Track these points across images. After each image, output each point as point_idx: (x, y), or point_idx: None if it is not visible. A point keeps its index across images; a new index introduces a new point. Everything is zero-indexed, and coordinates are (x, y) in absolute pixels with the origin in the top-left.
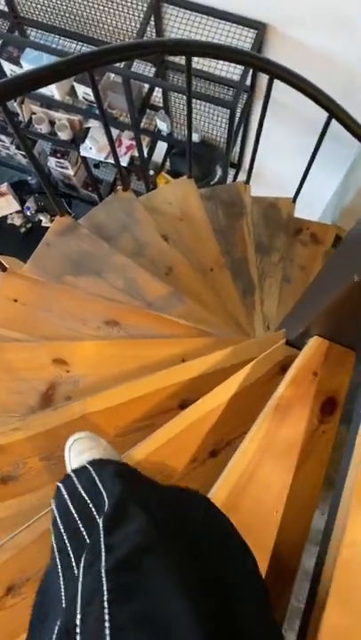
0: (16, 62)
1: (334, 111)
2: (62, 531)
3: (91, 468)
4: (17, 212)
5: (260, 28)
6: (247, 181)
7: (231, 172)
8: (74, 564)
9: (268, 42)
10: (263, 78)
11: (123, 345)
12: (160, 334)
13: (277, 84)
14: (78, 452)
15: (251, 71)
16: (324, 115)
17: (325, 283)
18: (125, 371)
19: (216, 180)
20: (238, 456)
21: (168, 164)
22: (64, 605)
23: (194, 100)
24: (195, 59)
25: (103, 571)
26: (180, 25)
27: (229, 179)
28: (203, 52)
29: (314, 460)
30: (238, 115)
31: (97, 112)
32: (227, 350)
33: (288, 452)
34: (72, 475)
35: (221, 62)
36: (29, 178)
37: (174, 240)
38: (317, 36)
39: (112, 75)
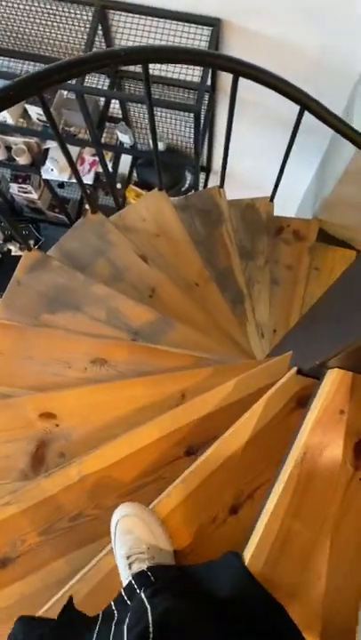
0: None
1: (306, 102)
2: None
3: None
4: None
5: (215, 24)
6: (221, 185)
7: (202, 176)
8: None
9: (225, 38)
10: (225, 77)
11: (114, 388)
12: (154, 368)
13: (241, 81)
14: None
15: (210, 71)
16: (292, 107)
17: (347, 314)
18: (120, 416)
19: (187, 186)
20: (266, 521)
21: (135, 175)
22: None
23: (155, 108)
24: (151, 64)
25: None
26: (130, 31)
27: (200, 184)
28: (159, 57)
29: (354, 513)
30: (203, 117)
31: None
32: (231, 383)
33: (322, 510)
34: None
35: (180, 65)
36: None
37: (153, 259)
38: (275, 26)
39: (65, 91)
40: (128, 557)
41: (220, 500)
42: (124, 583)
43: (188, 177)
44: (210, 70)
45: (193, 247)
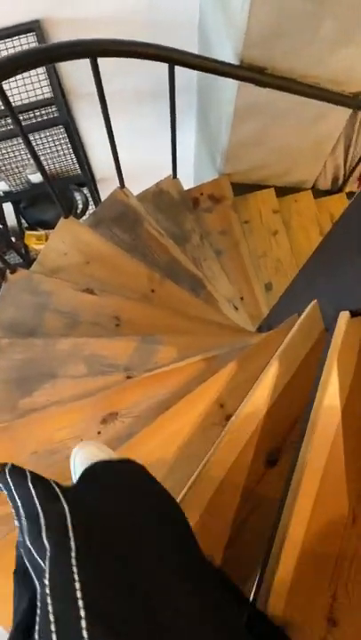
0: None
1: (172, 57)
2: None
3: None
4: None
5: (34, 27)
6: (121, 185)
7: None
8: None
9: (51, 34)
10: (71, 80)
11: (144, 438)
12: (169, 392)
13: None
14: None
15: (56, 79)
16: (148, 77)
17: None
18: (170, 462)
19: (81, 205)
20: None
21: (24, 220)
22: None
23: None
24: None
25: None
26: None
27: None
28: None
29: None
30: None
31: None
32: (273, 367)
33: None
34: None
35: (25, 89)
36: None
37: (98, 287)
38: (96, 3)
39: None
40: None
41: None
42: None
43: (78, 196)
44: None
45: (128, 257)
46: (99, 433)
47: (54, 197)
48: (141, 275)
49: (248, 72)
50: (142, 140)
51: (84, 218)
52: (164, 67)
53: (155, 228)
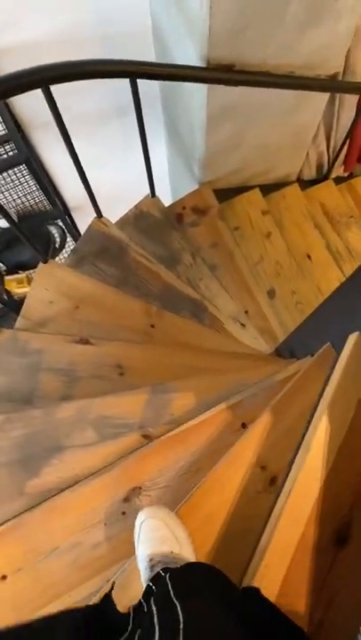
0: None
1: (134, 70)
2: None
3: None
4: None
5: None
6: (98, 214)
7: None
8: None
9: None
10: (26, 110)
11: (189, 510)
12: (199, 452)
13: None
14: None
15: (8, 114)
16: (108, 96)
17: None
18: (213, 545)
19: (58, 240)
20: None
21: (2, 265)
22: None
23: None
24: None
25: None
26: None
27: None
28: None
29: None
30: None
31: None
32: (321, 430)
33: None
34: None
35: None
36: None
37: (93, 333)
38: (40, 25)
39: None
40: (151, 560)
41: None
42: (144, 585)
43: (53, 230)
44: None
45: (120, 293)
46: (123, 514)
47: (26, 243)
48: (137, 310)
49: (217, 73)
50: (112, 162)
51: (64, 255)
52: (124, 81)
53: (142, 254)
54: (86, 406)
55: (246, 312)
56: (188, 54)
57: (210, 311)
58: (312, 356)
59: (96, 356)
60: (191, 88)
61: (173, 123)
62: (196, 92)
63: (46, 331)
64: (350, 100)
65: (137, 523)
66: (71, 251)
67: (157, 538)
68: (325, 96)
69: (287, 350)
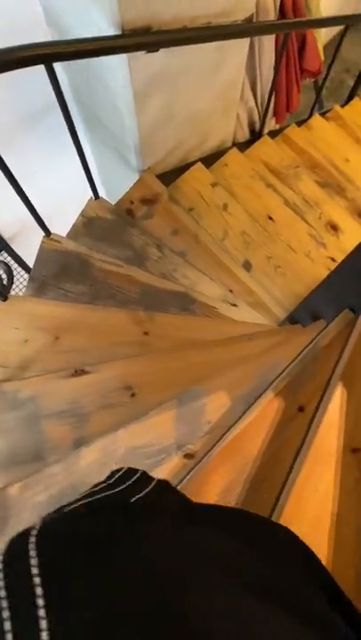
0: None
1: (47, 53)
2: None
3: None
4: None
5: None
6: (47, 233)
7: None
8: None
9: None
10: None
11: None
12: (262, 454)
13: None
14: None
15: None
16: (20, 99)
17: None
18: (329, 549)
19: (5, 276)
20: None
21: None
22: None
23: None
24: None
25: None
26: None
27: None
28: None
29: None
30: None
31: None
32: None
33: None
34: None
35: None
36: None
37: (85, 361)
38: None
39: None
40: None
41: None
42: None
43: None
44: None
45: (97, 309)
46: None
47: None
48: (124, 321)
49: (135, 38)
50: (42, 173)
51: (20, 289)
52: (33, 79)
53: (107, 261)
54: (110, 443)
55: (231, 291)
56: (98, 25)
57: (198, 300)
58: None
59: (98, 383)
60: (110, 66)
61: (94, 114)
62: (115, 70)
63: (32, 373)
64: (269, 47)
65: None
66: (28, 280)
67: None
68: (245, 46)
69: (307, 314)
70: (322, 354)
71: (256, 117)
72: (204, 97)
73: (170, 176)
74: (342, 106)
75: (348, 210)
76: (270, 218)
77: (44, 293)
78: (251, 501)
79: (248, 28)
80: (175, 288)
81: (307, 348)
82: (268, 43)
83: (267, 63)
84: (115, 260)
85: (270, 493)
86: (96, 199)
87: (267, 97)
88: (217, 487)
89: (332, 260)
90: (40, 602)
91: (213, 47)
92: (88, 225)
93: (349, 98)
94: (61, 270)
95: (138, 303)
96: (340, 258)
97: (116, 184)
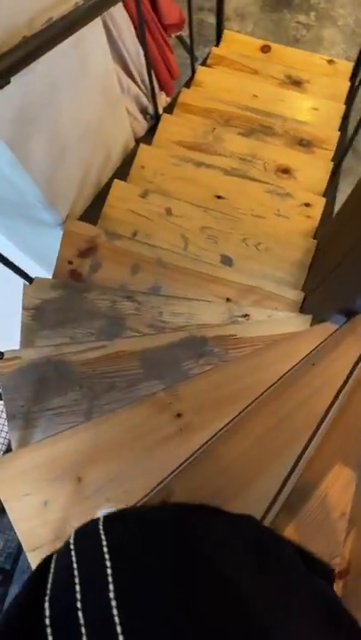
0: None
1: None
2: None
3: None
4: None
5: None
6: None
7: None
8: None
9: None
10: None
11: None
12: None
13: None
14: None
15: None
16: None
17: None
18: None
19: None
20: None
21: None
22: None
23: None
24: None
25: None
26: None
27: None
28: None
29: None
30: None
31: None
32: None
33: None
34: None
35: None
36: None
37: (129, 489)
38: None
39: None
40: None
41: None
42: None
43: None
44: None
45: (103, 420)
46: None
47: None
48: (145, 415)
49: None
50: None
51: None
52: None
53: (84, 349)
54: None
55: (229, 299)
56: None
57: (207, 336)
58: None
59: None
60: None
61: None
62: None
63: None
64: (123, 19)
65: None
66: (7, 420)
67: None
68: (101, 31)
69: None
70: None
71: (145, 101)
72: (86, 107)
73: (93, 211)
74: (217, 45)
75: (286, 145)
76: (219, 197)
77: (34, 427)
78: None
79: (89, 11)
80: (175, 337)
81: None
82: (120, 15)
83: (129, 38)
84: (92, 343)
85: None
86: (30, 283)
87: (146, 74)
88: None
89: (307, 205)
90: (109, 570)
91: (69, 46)
92: (38, 316)
93: (218, 34)
94: (39, 388)
95: (146, 379)
96: (310, 199)
97: (47, 252)
